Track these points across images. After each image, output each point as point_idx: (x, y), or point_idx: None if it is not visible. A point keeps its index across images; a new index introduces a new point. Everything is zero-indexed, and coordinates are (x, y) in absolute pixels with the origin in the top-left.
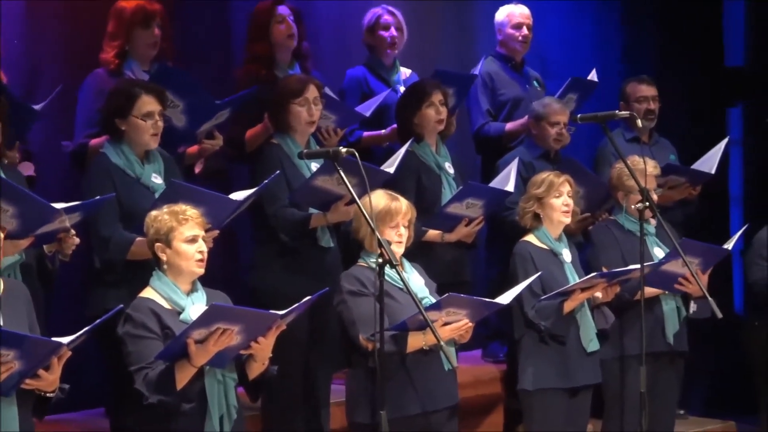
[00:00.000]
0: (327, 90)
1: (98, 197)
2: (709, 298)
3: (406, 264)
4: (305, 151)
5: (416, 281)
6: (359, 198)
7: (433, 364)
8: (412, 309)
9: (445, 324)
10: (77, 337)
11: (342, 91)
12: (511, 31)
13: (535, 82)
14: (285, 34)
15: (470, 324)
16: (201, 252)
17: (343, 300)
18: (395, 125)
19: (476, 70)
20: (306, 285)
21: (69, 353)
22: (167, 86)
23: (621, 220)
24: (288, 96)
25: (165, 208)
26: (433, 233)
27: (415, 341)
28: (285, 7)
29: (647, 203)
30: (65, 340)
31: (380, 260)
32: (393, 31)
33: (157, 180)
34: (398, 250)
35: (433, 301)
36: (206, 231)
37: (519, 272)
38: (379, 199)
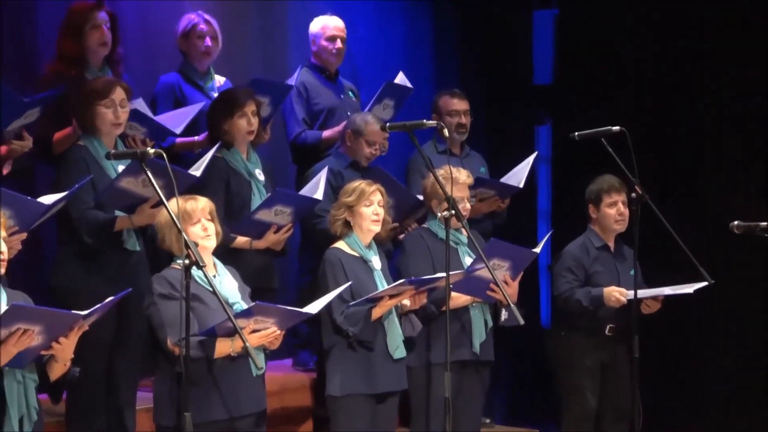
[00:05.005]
0: (140, 105)
1: None
2: (512, 305)
3: (219, 266)
4: (113, 151)
5: (228, 285)
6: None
7: (240, 370)
8: (221, 313)
9: (254, 331)
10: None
11: (154, 96)
12: (325, 43)
13: (350, 93)
14: (98, 41)
15: (279, 332)
16: (1, 252)
17: (153, 302)
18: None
19: (292, 80)
20: (108, 287)
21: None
22: None
23: (434, 228)
24: (93, 97)
25: None
26: (241, 240)
27: (223, 347)
28: (104, 13)
29: (453, 212)
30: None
31: (187, 261)
32: (208, 40)
33: None
34: (209, 243)
35: (244, 306)
36: (13, 233)
37: (329, 278)
38: (172, 205)
